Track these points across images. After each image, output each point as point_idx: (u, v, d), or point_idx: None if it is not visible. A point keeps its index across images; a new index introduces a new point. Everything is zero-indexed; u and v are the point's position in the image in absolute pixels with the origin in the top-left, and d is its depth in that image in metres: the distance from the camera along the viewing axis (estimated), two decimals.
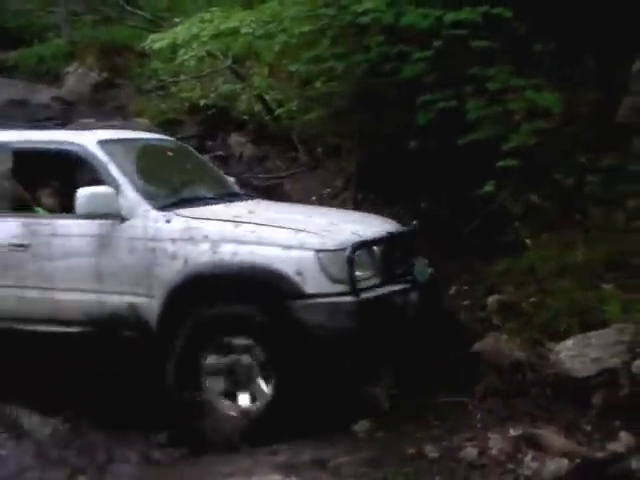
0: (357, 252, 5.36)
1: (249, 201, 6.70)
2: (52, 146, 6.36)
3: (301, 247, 5.34)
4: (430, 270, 6.10)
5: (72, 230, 5.98)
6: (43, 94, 15.84)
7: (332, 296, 5.29)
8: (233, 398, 5.55)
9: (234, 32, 8.96)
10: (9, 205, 6.34)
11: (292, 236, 5.42)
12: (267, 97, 10.88)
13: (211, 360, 5.54)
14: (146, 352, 5.70)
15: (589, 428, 4.86)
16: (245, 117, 11.84)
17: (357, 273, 5.35)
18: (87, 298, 5.88)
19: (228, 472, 5.12)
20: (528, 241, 6.60)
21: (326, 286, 5.30)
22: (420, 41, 7.13)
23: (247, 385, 5.51)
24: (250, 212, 5.96)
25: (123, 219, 5.80)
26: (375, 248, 5.62)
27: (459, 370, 5.71)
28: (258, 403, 5.47)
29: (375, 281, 5.54)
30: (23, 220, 6.19)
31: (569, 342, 5.31)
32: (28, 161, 6.44)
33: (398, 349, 5.72)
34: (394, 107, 7.90)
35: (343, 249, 5.33)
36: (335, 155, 9.66)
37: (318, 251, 5.32)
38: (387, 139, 8.09)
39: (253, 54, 10.97)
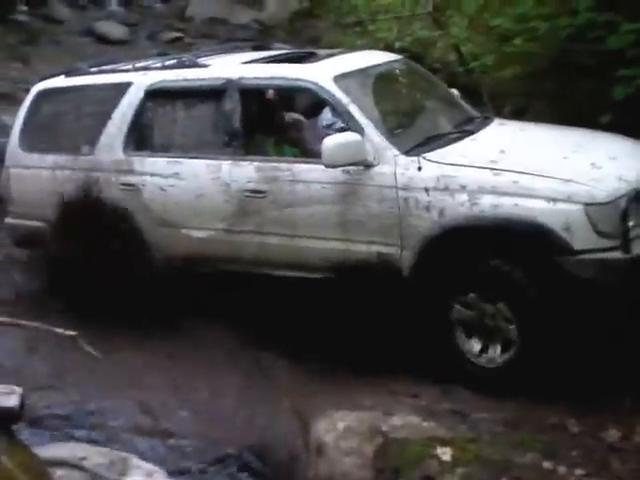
0: (631, 205, 5.05)
1: (489, 128, 6.26)
2: (284, 83, 6.20)
3: (569, 200, 5.04)
4: None
5: (314, 177, 5.78)
6: (243, 15, 16.30)
7: (601, 252, 5.03)
8: (480, 347, 5.46)
9: None
10: (242, 148, 6.16)
11: (559, 188, 5.10)
12: (463, 48, 10.74)
13: (459, 311, 5.47)
14: (395, 300, 5.64)
15: None
16: (437, 65, 11.74)
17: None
18: (331, 246, 5.79)
19: (370, 405, 5.31)
20: None
21: (595, 241, 5.03)
22: (632, 11, 6.88)
23: (492, 338, 5.41)
24: (502, 152, 5.60)
25: (369, 165, 5.59)
26: None
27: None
28: (504, 355, 5.36)
29: None
30: (258, 164, 6.04)
31: None
32: (256, 99, 6.38)
33: None
34: (592, 76, 7.67)
35: (614, 202, 5.04)
36: (522, 117, 9.48)
37: (587, 205, 5.02)
38: (579, 108, 7.87)
39: (455, 3, 10.84)
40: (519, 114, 9.56)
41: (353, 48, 12.21)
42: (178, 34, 16.23)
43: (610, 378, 5.27)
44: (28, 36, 15.04)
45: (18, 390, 4.38)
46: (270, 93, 6.34)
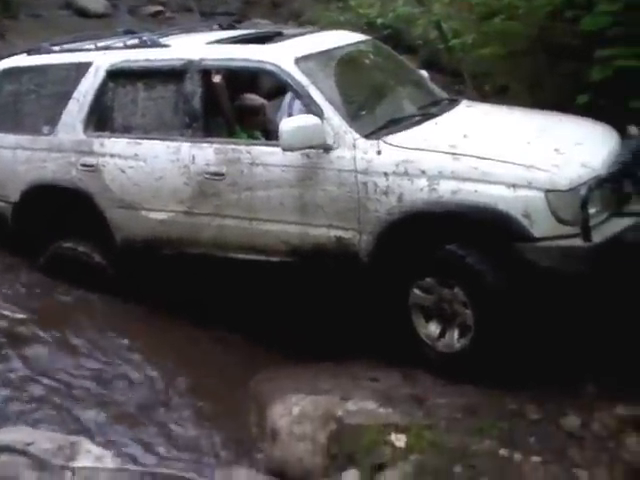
0: (592, 193, 4.96)
1: (454, 111, 6.14)
2: (245, 64, 6.07)
3: (529, 186, 4.96)
4: None
5: (273, 160, 5.70)
6: None
7: (561, 239, 4.96)
8: (439, 332, 5.40)
9: None
10: (202, 130, 6.06)
11: (519, 174, 5.01)
12: (444, 25, 10.60)
13: (417, 295, 5.40)
14: (352, 284, 5.60)
15: None
16: (419, 42, 11.63)
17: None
18: (289, 229, 5.72)
19: (327, 389, 5.26)
20: None
21: (555, 228, 4.96)
22: None
23: (450, 322, 5.35)
24: (464, 136, 5.49)
25: (328, 149, 5.51)
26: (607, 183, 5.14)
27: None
28: (462, 340, 5.29)
29: (603, 216, 5.10)
30: (217, 147, 5.96)
31: None
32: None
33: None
34: (570, 57, 7.54)
35: (576, 189, 4.96)
36: (502, 96, 9.37)
37: (548, 191, 4.94)
38: (558, 89, 7.75)
39: None
40: (499, 94, 9.46)
41: (335, 24, 12.20)
42: (159, 8, 16.17)
43: (571, 363, 5.20)
44: (5, 9, 14.82)
45: None
46: (216, 77, 6.17)
